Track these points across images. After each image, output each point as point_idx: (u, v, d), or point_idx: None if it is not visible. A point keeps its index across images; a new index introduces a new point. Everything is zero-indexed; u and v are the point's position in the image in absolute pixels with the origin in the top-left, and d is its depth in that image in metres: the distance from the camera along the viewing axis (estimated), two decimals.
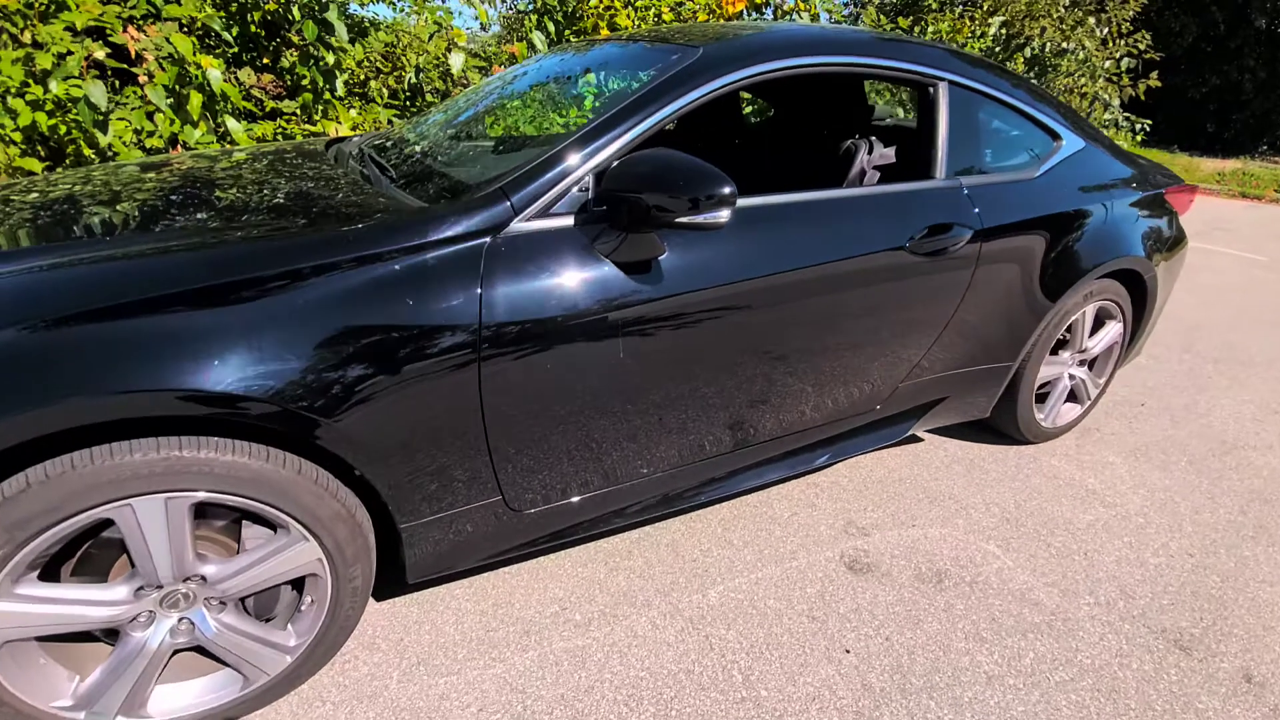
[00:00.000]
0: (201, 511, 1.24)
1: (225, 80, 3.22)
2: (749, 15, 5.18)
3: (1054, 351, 2.40)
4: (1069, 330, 2.36)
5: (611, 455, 1.56)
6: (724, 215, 1.31)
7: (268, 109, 3.96)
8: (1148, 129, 7.99)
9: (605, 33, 4.11)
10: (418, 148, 1.82)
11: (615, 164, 1.37)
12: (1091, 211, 2.19)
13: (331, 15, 3.07)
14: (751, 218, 1.56)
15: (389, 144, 1.92)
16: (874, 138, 2.02)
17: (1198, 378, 3.21)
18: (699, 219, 1.29)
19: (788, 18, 5.40)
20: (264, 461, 1.16)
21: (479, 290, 1.27)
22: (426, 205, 1.38)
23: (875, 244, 1.72)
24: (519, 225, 1.34)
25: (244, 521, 1.25)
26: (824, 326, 1.71)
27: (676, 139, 2.91)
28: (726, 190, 1.29)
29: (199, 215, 1.40)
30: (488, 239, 1.31)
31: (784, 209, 1.62)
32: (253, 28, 3.78)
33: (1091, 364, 2.55)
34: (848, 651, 1.58)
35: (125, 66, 3.09)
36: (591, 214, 1.40)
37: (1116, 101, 7.55)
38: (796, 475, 2.08)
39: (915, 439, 2.52)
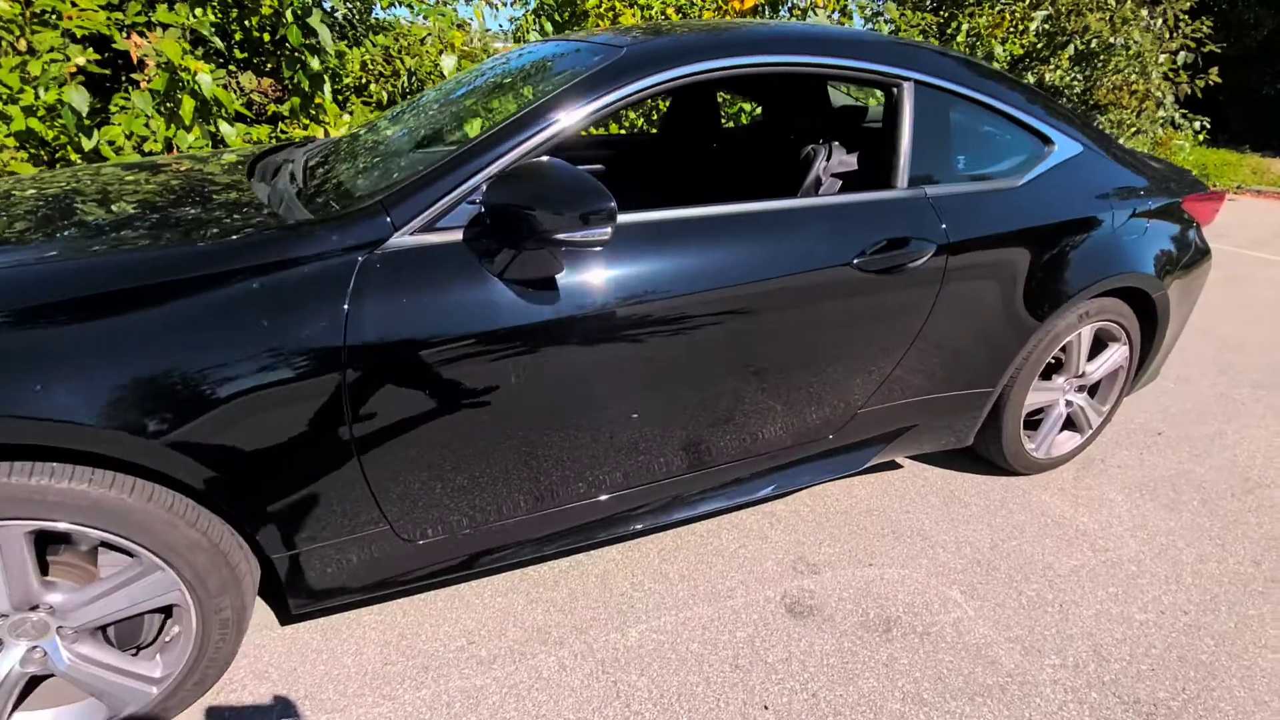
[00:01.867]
0: (65, 536, 1.19)
1: (219, 85, 3.25)
2: (764, 13, 5.01)
3: (1046, 376, 2.19)
4: (1063, 352, 2.15)
5: (510, 484, 1.46)
6: (606, 234, 1.19)
7: (269, 112, 4.00)
8: (1208, 127, 7.43)
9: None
10: (342, 155, 1.76)
11: (493, 178, 1.27)
12: (1086, 223, 1.98)
13: (314, 21, 3.06)
14: (666, 232, 1.44)
15: (325, 151, 1.87)
16: (835, 143, 1.87)
17: (1229, 404, 2.91)
18: (577, 236, 1.18)
19: (805, 15, 5.20)
20: (106, 488, 1.10)
21: (345, 309, 1.19)
22: (307, 219, 1.30)
23: (815, 260, 1.57)
24: (399, 240, 1.26)
25: (101, 548, 1.20)
26: (754, 350, 1.57)
27: (653, 142, 2.80)
28: (610, 205, 1.18)
29: (58, 231, 1.33)
30: (361, 255, 1.23)
31: (708, 222, 1.49)
32: (254, 32, 3.82)
33: (1093, 390, 2.33)
34: (766, 708, 1.44)
35: (107, 73, 3.14)
36: (484, 228, 1.30)
37: (1171, 99, 7.04)
38: (737, 506, 1.94)
39: (894, 465, 2.34)
